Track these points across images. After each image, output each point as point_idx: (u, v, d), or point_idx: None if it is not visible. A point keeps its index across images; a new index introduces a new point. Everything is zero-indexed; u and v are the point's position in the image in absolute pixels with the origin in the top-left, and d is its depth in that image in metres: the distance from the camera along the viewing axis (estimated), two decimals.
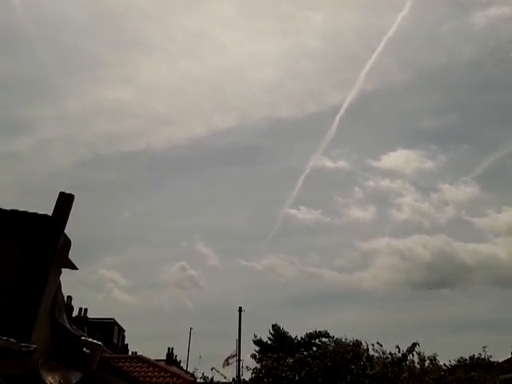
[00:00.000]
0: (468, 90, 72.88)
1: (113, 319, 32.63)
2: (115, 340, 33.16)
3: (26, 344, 4.48)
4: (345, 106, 67.08)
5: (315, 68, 78.40)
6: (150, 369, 24.30)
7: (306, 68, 77.25)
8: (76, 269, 6.39)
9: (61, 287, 6.13)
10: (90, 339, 6.35)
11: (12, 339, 4.14)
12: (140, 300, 66.04)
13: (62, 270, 6.16)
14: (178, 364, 36.09)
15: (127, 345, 36.02)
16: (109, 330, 31.20)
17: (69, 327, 6.13)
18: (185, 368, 36.23)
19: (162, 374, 24.13)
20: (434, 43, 70.65)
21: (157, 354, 33.82)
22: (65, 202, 5.79)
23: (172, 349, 36.31)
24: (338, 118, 68.11)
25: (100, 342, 6.47)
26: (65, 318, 6.15)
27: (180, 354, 39.14)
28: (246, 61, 78.45)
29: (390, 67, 72.03)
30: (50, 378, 5.45)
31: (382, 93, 75.48)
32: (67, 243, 6.02)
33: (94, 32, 67.87)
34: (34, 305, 5.33)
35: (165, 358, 35.07)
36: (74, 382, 5.79)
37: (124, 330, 35.69)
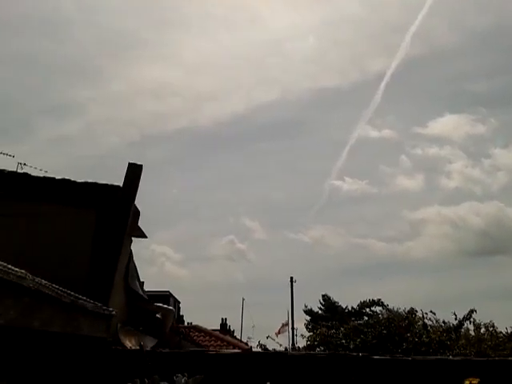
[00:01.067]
0: None
1: (168, 291, 33.56)
2: None
3: (108, 308, 4.70)
4: (389, 72, 64.62)
5: (357, 34, 75.89)
6: (207, 338, 25.01)
7: (347, 35, 74.94)
8: (146, 237, 6.60)
9: (132, 255, 6.36)
10: (163, 305, 6.59)
11: (98, 303, 4.35)
12: (192, 273, 67.62)
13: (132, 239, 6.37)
14: (231, 333, 36.93)
15: (183, 316, 37.12)
16: (165, 302, 32.08)
17: (142, 293, 6.36)
18: (238, 337, 37.08)
19: (219, 342, 24.79)
20: (481, 2, 67.05)
21: (211, 324, 34.68)
22: (134, 172, 5.97)
23: (225, 319, 37.24)
24: (382, 85, 65.76)
25: (172, 308, 6.70)
26: (137, 284, 6.39)
27: (233, 324, 40.08)
28: (286, 32, 76.81)
29: (436, 30, 68.79)
30: (128, 342, 5.71)
31: (429, 57, 72.37)
32: (137, 213, 6.21)
33: (133, 12, 68.09)
34: (111, 272, 5.57)
35: (219, 327, 35.96)
36: (150, 346, 6.04)
37: (179, 302, 36.69)
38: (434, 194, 69.66)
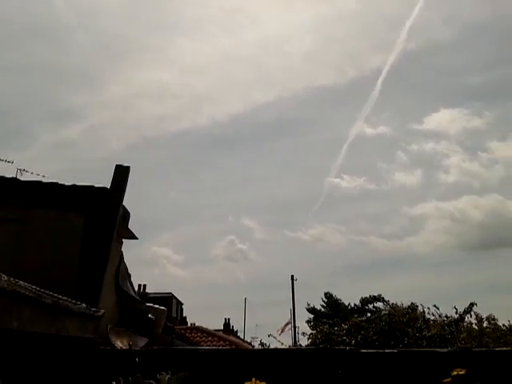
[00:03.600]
0: None
1: (171, 293, 33.70)
2: (174, 313, 34.30)
3: (96, 309, 4.75)
4: (386, 68, 64.66)
5: (353, 31, 76.00)
6: (210, 338, 25.11)
7: (343, 32, 75.06)
8: (136, 238, 6.65)
9: (123, 257, 6.41)
10: (154, 305, 6.64)
11: (84, 304, 4.40)
12: (193, 274, 67.90)
13: (123, 241, 6.43)
14: (235, 333, 37.09)
15: (186, 317, 37.26)
16: (167, 303, 32.24)
17: (133, 294, 6.42)
18: (242, 337, 37.23)
19: (221, 342, 24.89)
20: None
21: (214, 324, 34.84)
22: (121, 173, 6.02)
23: (228, 319, 37.40)
24: (379, 81, 65.88)
25: (164, 308, 6.76)
26: (128, 285, 6.44)
27: (236, 324, 40.24)
28: (283, 32, 76.98)
29: (432, 23, 68.75)
30: (118, 343, 5.76)
31: (425, 51, 72.37)
32: (126, 214, 6.26)
33: (132, 16, 68.40)
34: (100, 273, 5.62)
35: (222, 328, 36.11)
36: (141, 346, 6.09)
37: (182, 303, 36.87)
38: (433, 189, 69.83)
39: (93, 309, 4.61)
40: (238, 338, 35.32)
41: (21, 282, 3.00)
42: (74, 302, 4.07)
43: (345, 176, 72.98)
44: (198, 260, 73.79)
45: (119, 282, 6.16)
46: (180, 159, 77.31)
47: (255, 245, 69.49)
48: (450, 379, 4.49)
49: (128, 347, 5.62)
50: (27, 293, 3.04)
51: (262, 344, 20.60)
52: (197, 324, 31.14)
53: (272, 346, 20.86)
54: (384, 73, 63.86)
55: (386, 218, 72.32)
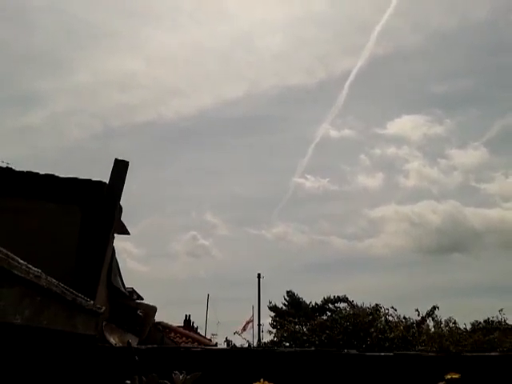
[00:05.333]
0: (480, 53, 71.19)
1: (132, 288, 33.23)
2: None
3: (99, 305, 4.68)
4: (354, 72, 65.68)
5: (324, 34, 76.89)
6: (172, 334, 24.91)
7: (314, 34, 75.83)
8: (128, 234, 6.56)
9: (115, 252, 6.31)
10: (144, 302, 6.57)
11: (91, 300, 4.32)
12: (154, 269, 66.98)
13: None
14: (195, 330, 36.90)
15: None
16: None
17: (124, 290, 6.33)
18: (203, 334, 37.11)
19: (184, 339, 24.79)
20: (447, 4, 69.13)
21: (175, 320, 34.56)
22: (120, 168, 5.92)
23: (189, 315, 37.18)
24: (347, 84, 66.94)
25: (154, 305, 6.70)
26: (119, 281, 6.35)
27: (198, 321, 40.03)
28: (255, 28, 77.16)
29: (401, 30, 70.44)
30: (112, 340, 5.68)
31: (393, 57, 74.05)
32: (120, 209, 6.17)
33: (103, 2, 67.04)
34: (97, 269, 5.52)
35: (182, 324, 35.85)
36: (133, 343, 6.02)
37: (143, 299, 36.38)
38: (393, 193, 71.59)
39: (97, 306, 4.54)
40: (199, 334, 35.18)
41: (53, 279, 2.94)
42: (85, 298, 4.00)
43: (309, 176, 73.64)
44: (160, 255, 72.92)
45: (111, 278, 6.07)
46: (145, 151, 76.14)
47: (218, 241, 69.24)
48: (443, 383, 4.66)
49: (122, 344, 5.56)
50: (57, 290, 2.98)
51: (227, 341, 20.67)
52: (157, 320, 30.78)
53: (237, 344, 20.98)
54: (352, 76, 64.92)
55: (347, 219, 73.67)
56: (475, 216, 63.13)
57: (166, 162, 76.99)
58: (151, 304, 6.71)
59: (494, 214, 62.01)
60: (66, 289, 3.31)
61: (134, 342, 6.14)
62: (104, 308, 4.94)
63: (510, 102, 71.56)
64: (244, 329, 33.11)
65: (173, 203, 73.54)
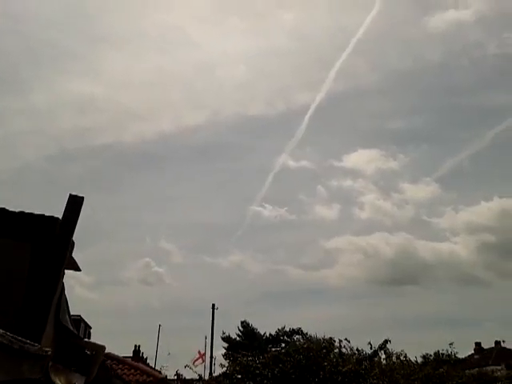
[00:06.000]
0: (434, 93, 75.27)
1: (79, 316, 32.09)
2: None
3: (46, 349, 4.51)
4: (314, 105, 67.92)
5: (286, 67, 79.43)
6: (120, 366, 24.06)
7: (277, 67, 78.15)
8: (79, 270, 6.39)
9: (64, 289, 6.12)
10: (92, 341, 6.36)
11: (37, 344, 4.16)
12: (104, 297, 65.16)
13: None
14: (144, 361, 35.83)
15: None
16: (75, 327, 30.60)
17: (72, 328, 6.13)
18: (152, 365, 36.05)
19: (132, 371, 23.98)
20: (403, 46, 72.81)
21: (124, 351, 33.52)
22: (75, 204, 5.80)
23: (139, 346, 36.06)
24: (307, 117, 68.87)
25: (103, 344, 6.50)
26: (68, 319, 6.15)
27: (147, 351, 38.88)
28: (218, 58, 78.63)
29: (359, 68, 73.77)
30: (58, 381, 5.46)
31: (351, 93, 77.41)
32: (72, 244, 6.01)
33: (65, 25, 66.74)
34: (44, 311, 5.32)
35: (131, 354, 34.76)
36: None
37: (90, 327, 35.20)
38: (348, 224, 73.02)
39: (45, 349, 4.37)
40: (148, 365, 34.15)
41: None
42: (32, 343, 3.85)
43: (267, 205, 74.26)
44: (111, 282, 71.09)
45: (59, 316, 5.86)
46: (101, 174, 75.08)
47: (172, 269, 68.25)
48: None
49: None
50: (4, 341, 2.86)
51: (177, 375, 20.23)
52: (106, 350, 29.70)
53: (187, 377, 20.55)
54: (311, 110, 66.97)
55: (303, 248, 74.55)
56: (426, 249, 65.19)
57: (122, 186, 76.07)
58: (99, 343, 6.50)
59: (444, 247, 64.29)
60: (12, 337, 3.18)
61: (80, 382, 5.92)
62: (50, 351, 4.75)
63: (460, 141, 75.45)
64: (196, 361, 32.32)
65: (127, 229, 72.33)
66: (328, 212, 71.67)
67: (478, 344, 42.05)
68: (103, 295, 66.15)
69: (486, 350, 41.11)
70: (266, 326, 43.97)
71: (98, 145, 74.42)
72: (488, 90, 70.59)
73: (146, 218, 72.63)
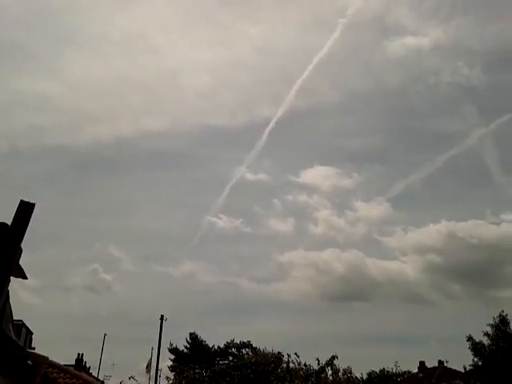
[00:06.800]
0: (390, 115, 77.66)
1: (21, 321, 30.92)
2: (22, 343, 31.41)
3: None
4: (274, 119, 68.58)
5: (250, 80, 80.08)
6: (61, 375, 23.31)
7: (240, 79, 78.72)
8: (26, 278, 6.14)
9: (9, 297, 5.87)
10: (35, 351, 6.13)
11: None
12: (48, 302, 62.77)
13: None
14: (87, 370, 34.76)
15: (35, 348, 34.24)
16: (16, 332, 29.47)
17: (15, 338, 5.88)
18: (95, 375, 35.04)
19: (74, 380, 23.27)
20: (363, 68, 75.16)
21: (66, 358, 32.44)
22: (25, 210, 5.57)
23: (82, 354, 34.96)
24: (267, 130, 69.48)
25: (46, 355, 6.27)
26: (11, 328, 5.90)
27: (91, 360, 37.71)
28: (182, 66, 78.36)
29: (320, 87, 75.22)
30: None
31: (311, 110, 78.72)
32: (20, 252, 5.79)
33: (27, 24, 64.90)
34: None
35: (74, 363, 33.68)
36: None
37: (32, 333, 33.99)
38: (302, 239, 73.74)
39: None
40: (90, 375, 33.15)
41: None
42: None
43: (223, 216, 73.88)
44: (56, 287, 68.60)
45: (2, 326, 5.61)
46: (54, 176, 72.83)
47: (121, 276, 66.53)
48: None
49: None
50: None
51: None
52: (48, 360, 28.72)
53: None
54: (272, 124, 67.57)
55: (257, 261, 74.55)
56: (376, 267, 66.55)
57: (75, 188, 73.96)
58: (42, 354, 6.26)
59: (393, 266, 65.85)
60: None
61: None
62: None
63: (412, 163, 77.97)
64: (148, 371, 31.59)
65: (77, 233, 70.38)
66: (283, 226, 72.22)
67: (422, 363, 43.02)
68: (47, 300, 63.86)
69: (430, 368, 42.09)
70: (216, 339, 43.43)
71: (54, 145, 72.42)
72: (441, 116, 73.41)
73: (97, 222, 70.79)
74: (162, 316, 31.10)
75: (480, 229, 61.45)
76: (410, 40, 66.45)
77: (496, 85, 71.67)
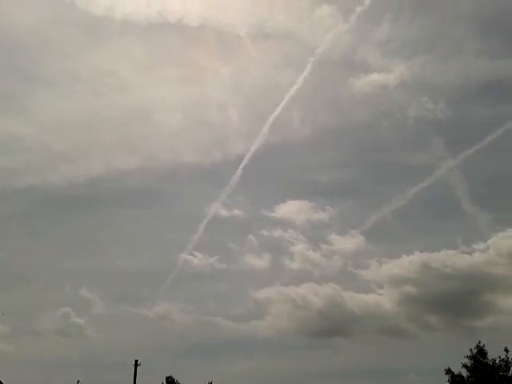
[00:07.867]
0: (360, 150, 79.60)
1: None
2: None
3: None
4: (248, 156, 69.10)
5: (222, 118, 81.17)
6: None
7: (213, 117, 79.65)
8: None
9: None
10: None
11: None
12: (18, 348, 60.09)
13: None
14: None
15: None
16: None
17: None
18: None
19: None
20: (332, 104, 77.49)
21: None
22: None
23: None
24: (241, 167, 69.80)
25: None
26: None
27: None
28: (153, 104, 78.86)
29: (291, 123, 76.76)
30: None
31: (283, 146, 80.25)
32: None
33: None
34: None
35: None
36: None
37: (1, 382, 32.71)
38: (278, 274, 73.33)
39: None
40: None
41: None
42: None
43: (197, 253, 72.81)
44: (26, 332, 65.85)
45: None
46: (24, 216, 71.31)
47: (93, 320, 64.38)
48: None
49: None
50: None
51: None
52: None
53: None
54: (245, 160, 67.98)
55: (233, 299, 73.31)
56: (353, 300, 66.22)
57: (44, 229, 72.33)
58: None
59: (370, 299, 65.63)
60: None
61: None
62: None
63: (384, 196, 79.51)
64: None
65: (46, 275, 68.21)
66: (258, 262, 71.66)
67: None
68: (18, 346, 61.15)
69: None
70: (194, 382, 42.27)
71: (24, 186, 71.16)
72: (410, 149, 75.49)
73: (68, 263, 68.77)
74: (136, 361, 30.14)
75: (453, 259, 61.98)
76: (375, 77, 68.67)
77: (461, 118, 74.70)
